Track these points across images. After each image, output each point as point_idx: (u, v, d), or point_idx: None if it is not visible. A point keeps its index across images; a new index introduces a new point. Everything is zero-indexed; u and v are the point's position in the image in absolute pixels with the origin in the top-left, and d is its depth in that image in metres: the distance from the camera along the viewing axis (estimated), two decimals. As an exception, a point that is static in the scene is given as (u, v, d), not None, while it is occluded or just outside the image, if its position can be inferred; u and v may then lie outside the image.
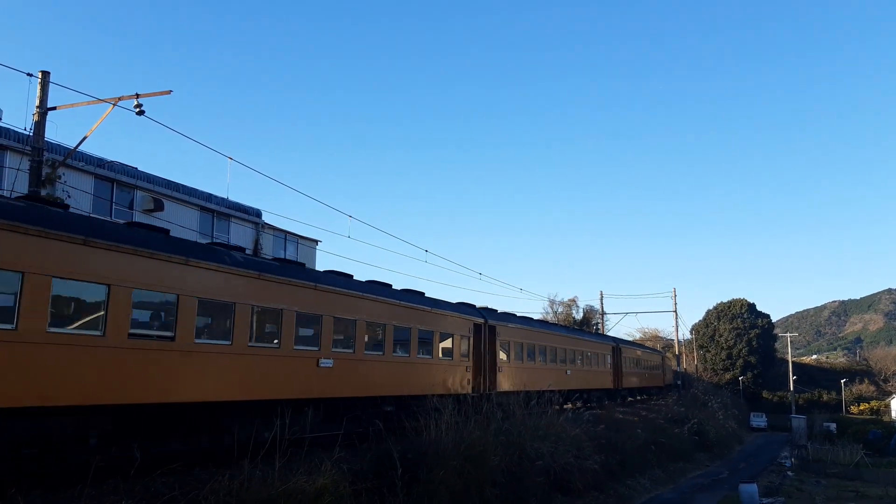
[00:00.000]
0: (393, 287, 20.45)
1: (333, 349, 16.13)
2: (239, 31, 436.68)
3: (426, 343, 20.61)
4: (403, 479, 12.72)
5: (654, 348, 66.64)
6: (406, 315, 19.40)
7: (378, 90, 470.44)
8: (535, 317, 41.97)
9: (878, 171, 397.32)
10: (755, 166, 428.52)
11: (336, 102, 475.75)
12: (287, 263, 16.49)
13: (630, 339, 66.88)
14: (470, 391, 22.02)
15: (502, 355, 25.49)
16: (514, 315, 29.37)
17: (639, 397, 48.61)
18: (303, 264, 17.77)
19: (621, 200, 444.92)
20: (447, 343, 21.87)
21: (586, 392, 34.04)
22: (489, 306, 27.21)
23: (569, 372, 32.71)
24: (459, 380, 22.02)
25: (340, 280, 17.57)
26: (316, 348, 15.61)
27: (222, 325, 13.46)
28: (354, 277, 21.26)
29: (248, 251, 30.25)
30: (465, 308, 24.19)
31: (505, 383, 24.91)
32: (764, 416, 78.34)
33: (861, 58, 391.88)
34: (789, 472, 39.27)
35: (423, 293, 21.86)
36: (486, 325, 24.42)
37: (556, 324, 34.99)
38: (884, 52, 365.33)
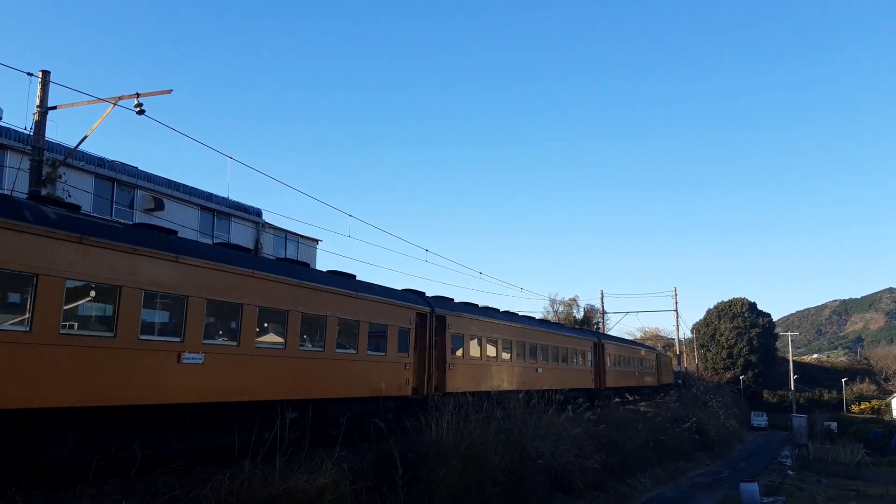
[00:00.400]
0: (313, 267, 17.70)
1: (206, 341, 12.76)
2: (239, 30, 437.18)
3: (349, 335, 17.10)
4: (404, 478, 12.73)
5: (648, 345, 63.80)
6: (321, 300, 15.89)
7: (378, 90, 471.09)
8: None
9: (878, 171, 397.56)
10: (755, 166, 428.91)
11: (336, 102, 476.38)
12: (144, 229, 13.05)
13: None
14: (410, 393, 19.15)
15: (454, 351, 22.19)
16: (473, 305, 25.88)
17: (630, 397, 45.24)
18: (171, 232, 13.59)
19: (622, 200, 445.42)
20: (380, 336, 18.35)
21: (561, 392, 28.37)
22: (444, 295, 23.94)
23: (540, 370, 29.24)
24: (396, 379, 18.75)
25: (223, 253, 14.09)
26: (177, 339, 12.19)
27: (18, 305, 10.24)
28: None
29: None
30: (406, 295, 20.74)
31: (457, 383, 21.70)
32: (764, 415, 78.41)
33: (861, 58, 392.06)
34: (790, 472, 39.28)
35: (354, 276, 18.73)
36: (434, 316, 21.09)
37: (527, 316, 31.24)
38: (884, 51, 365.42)
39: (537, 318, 30.49)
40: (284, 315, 14.86)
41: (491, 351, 25.06)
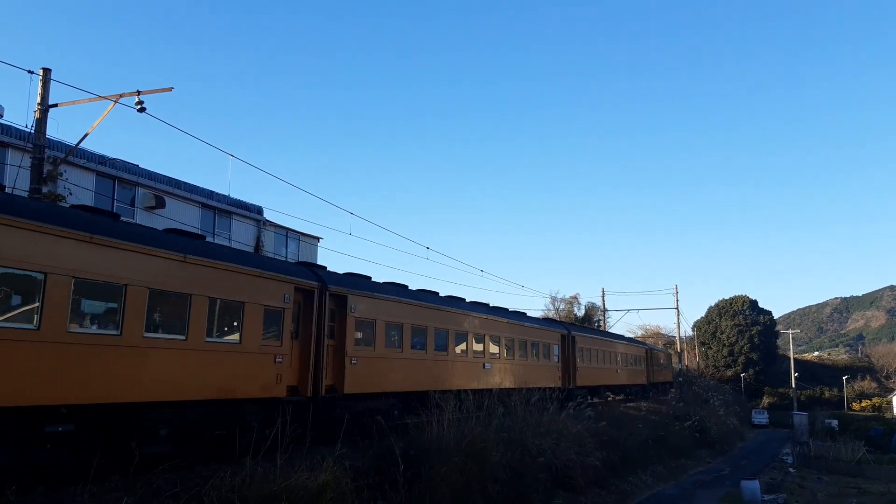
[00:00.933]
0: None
1: None
2: (240, 28, 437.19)
3: (173, 314, 12.43)
4: (405, 475, 12.76)
5: (638, 340, 58.95)
6: (118, 263, 11.25)
7: (379, 88, 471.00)
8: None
9: (879, 168, 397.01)
10: (756, 164, 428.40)
11: (337, 100, 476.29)
12: None
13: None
14: (285, 394, 14.85)
15: (361, 341, 17.72)
16: (400, 286, 20.90)
17: (611, 397, 40.80)
18: None
19: (623, 198, 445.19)
20: (232, 316, 13.75)
21: (518, 392, 22.31)
22: (357, 272, 19.38)
23: (488, 366, 24.44)
24: (258, 376, 14.17)
25: None
26: None
27: None
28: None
29: (249, 248, 30.28)
30: (280, 264, 16.73)
31: (360, 381, 17.21)
32: (766, 412, 78.49)
33: (862, 55, 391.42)
34: (791, 469, 39.34)
35: (202, 238, 14.68)
36: (327, 294, 16.47)
37: (476, 303, 25.84)
38: (885, 49, 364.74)
39: (460, 298, 24.52)
40: (39, 281, 10.08)
41: (417, 342, 20.28)
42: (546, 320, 35.23)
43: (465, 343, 23.20)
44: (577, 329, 37.85)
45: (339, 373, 16.64)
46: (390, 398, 18.34)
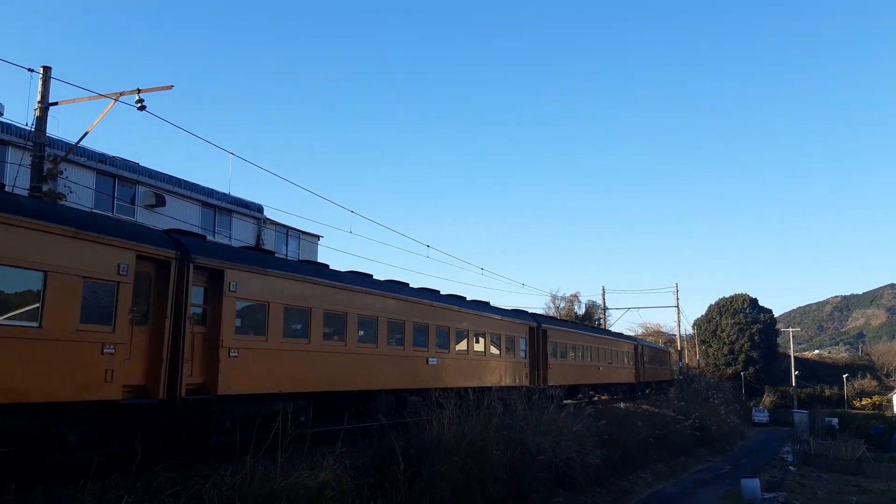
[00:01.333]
0: None
1: None
2: (240, 26, 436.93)
3: None
4: (406, 473, 12.77)
5: (626, 335, 54.06)
6: None
7: (380, 87, 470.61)
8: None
9: (879, 166, 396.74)
10: (756, 162, 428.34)
11: (338, 98, 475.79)
12: None
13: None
14: (120, 396, 11.32)
15: (249, 329, 14.43)
16: (321, 265, 18.04)
17: (596, 397, 38.21)
18: None
19: (623, 196, 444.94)
20: (27, 293, 10.21)
21: (477, 391, 18.21)
22: (251, 245, 15.98)
23: (433, 360, 21.12)
24: (72, 373, 10.54)
25: None
26: None
27: None
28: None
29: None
30: (107, 224, 12.42)
31: (246, 379, 13.87)
32: (766, 411, 78.60)
33: (862, 50, 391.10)
34: (791, 467, 39.40)
35: (2, 185, 11.80)
36: (189, 266, 12.80)
37: (425, 289, 22.81)
38: (884, 45, 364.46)
39: (405, 283, 21.78)
40: None
41: (334, 331, 17.00)
42: (513, 311, 31.53)
43: (401, 333, 19.70)
44: (549, 321, 34.21)
45: (213, 368, 13.19)
46: (295, 400, 14.86)
